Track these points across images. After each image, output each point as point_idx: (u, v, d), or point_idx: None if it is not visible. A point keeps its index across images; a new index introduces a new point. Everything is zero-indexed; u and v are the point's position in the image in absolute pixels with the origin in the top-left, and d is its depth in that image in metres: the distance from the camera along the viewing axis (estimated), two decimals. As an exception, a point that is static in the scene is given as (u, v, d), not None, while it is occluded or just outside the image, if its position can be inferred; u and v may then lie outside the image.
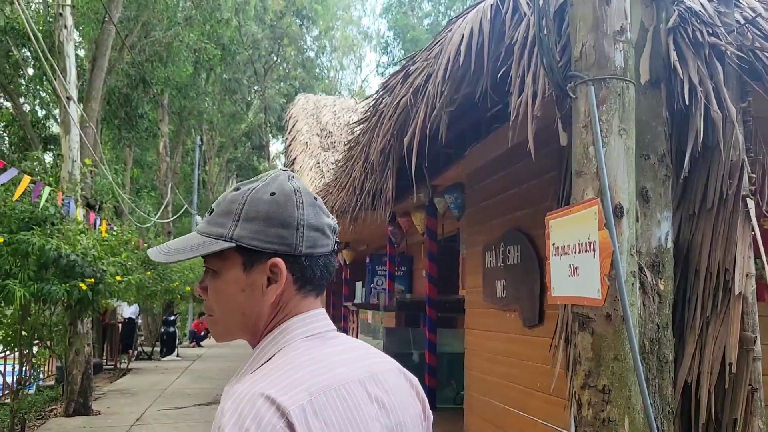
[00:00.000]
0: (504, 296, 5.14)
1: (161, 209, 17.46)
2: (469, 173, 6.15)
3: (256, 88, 30.41)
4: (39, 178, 7.52)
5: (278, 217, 1.04)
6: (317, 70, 32.90)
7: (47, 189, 7.16)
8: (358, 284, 11.96)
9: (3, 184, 7.22)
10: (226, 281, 1.06)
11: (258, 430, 0.90)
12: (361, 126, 4.37)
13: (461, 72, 3.30)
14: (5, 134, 17.48)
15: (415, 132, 3.18)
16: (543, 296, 4.55)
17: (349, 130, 5.85)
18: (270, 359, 1.03)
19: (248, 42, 25.66)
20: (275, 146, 36.84)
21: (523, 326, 4.83)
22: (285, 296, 1.07)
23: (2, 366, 11.99)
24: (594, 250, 2.39)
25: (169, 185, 18.66)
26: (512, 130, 3.18)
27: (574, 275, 2.55)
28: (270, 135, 33.59)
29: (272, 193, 1.05)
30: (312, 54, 32.14)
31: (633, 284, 2.45)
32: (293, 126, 11.86)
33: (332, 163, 10.38)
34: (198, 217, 24.75)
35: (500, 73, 3.33)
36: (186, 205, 20.28)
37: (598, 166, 2.41)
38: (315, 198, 1.10)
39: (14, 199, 7.00)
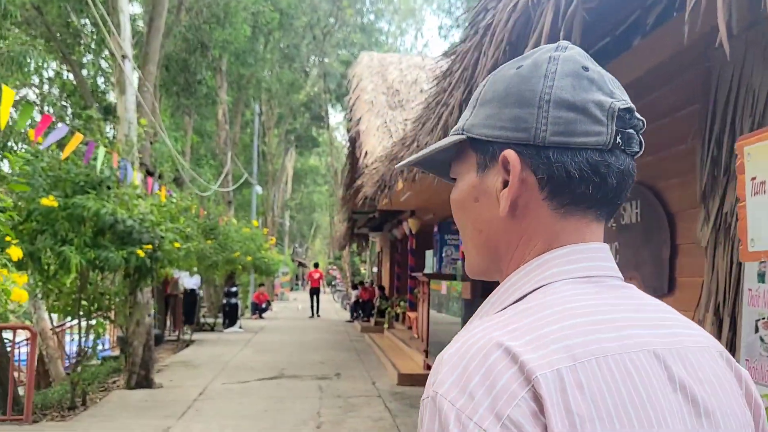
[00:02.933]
0: (617, 262, 4.35)
1: (221, 178, 17.14)
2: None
3: (314, 57, 29.86)
4: (94, 139, 7.05)
5: (516, 93, 0.72)
6: (377, 34, 32.05)
7: (102, 150, 6.69)
8: (429, 252, 11.29)
9: (56, 145, 6.80)
10: (462, 190, 0.79)
11: (487, 391, 0.58)
12: (461, 47, 3.63)
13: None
14: (68, 104, 17.43)
15: (540, 40, 2.43)
16: (674, 260, 3.76)
17: (436, 64, 5.09)
18: (521, 299, 0.70)
19: (306, 7, 25.01)
20: (335, 118, 36.42)
21: (646, 297, 4.06)
22: (531, 208, 0.73)
23: (67, 337, 11.91)
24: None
25: (229, 154, 18.30)
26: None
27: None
28: (329, 105, 33.09)
29: (519, 66, 0.74)
30: (372, 17, 31.28)
31: None
32: (357, 85, 11.19)
33: (400, 123, 9.68)
34: (258, 187, 24.55)
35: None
36: (246, 175, 19.95)
37: None
38: (585, 68, 0.72)
39: (62, 158, 6.55)
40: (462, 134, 0.77)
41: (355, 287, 22.50)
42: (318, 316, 22.82)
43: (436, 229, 12.42)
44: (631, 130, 0.73)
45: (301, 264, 57.25)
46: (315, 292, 23.49)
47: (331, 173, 46.78)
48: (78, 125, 8.05)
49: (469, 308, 7.48)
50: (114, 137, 9.10)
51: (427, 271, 10.96)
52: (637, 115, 0.74)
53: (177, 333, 14.80)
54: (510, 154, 0.72)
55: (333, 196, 50.11)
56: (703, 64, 3.25)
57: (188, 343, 13.91)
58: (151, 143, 11.10)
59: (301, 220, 63.95)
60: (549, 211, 0.73)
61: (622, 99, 0.73)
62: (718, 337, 3.12)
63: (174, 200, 9.47)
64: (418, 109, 10.17)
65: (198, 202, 12.54)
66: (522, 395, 0.59)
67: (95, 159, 6.77)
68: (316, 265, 26.82)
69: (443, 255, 10.54)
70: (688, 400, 0.66)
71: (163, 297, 14.92)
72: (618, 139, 0.71)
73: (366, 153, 8.96)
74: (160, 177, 10.48)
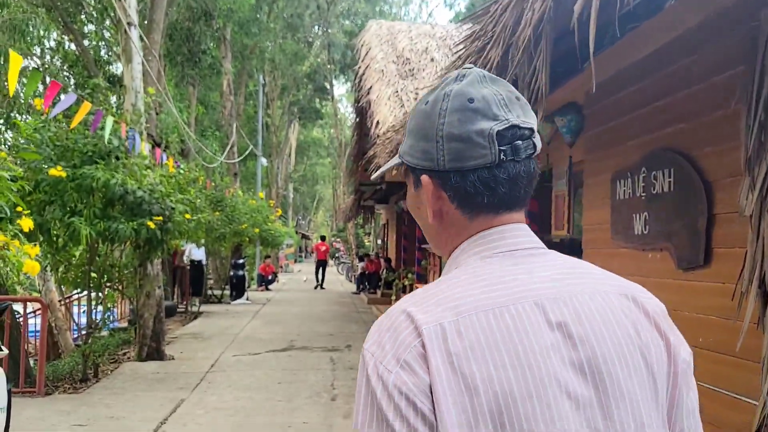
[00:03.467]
0: (647, 233, 4.22)
1: (227, 150, 16.97)
2: (588, 89, 5.17)
3: (317, 27, 29.43)
4: (102, 108, 6.90)
5: (421, 129, 0.92)
6: (381, 4, 31.53)
7: (110, 119, 6.54)
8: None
9: (62, 115, 6.66)
10: (409, 198, 1.02)
11: (393, 343, 0.83)
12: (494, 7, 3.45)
13: None
14: (70, 75, 17.19)
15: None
16: (710, 231, 3.64)
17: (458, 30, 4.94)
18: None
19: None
20: (338, 90, 36.03)
21: (677, 269, 3.93)
22: (449, 215, 0.94)
23: (75, 308, 11.88)
24: None
25: (234, 125, 18.08)
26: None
27: None
28: (333, 76, 32.72)
29: (426, 102, 0.93)
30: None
31: None
32: (366, 54, 10.95)
33: (412, 92, 9.48)
34: (263, 159, 24.37)
35: None
36: (251, 146, 19.76)
37: None
38: (470, 100, 0.88)
39: (71, 127, 6.40)
40: (400, 160, 0.97)
41: (361, 259, 22.49)
42: (322, 288, 22.89)
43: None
44: (518, 142, 0.88)
45: (304, 236, 57.31)
46: (322, 263, 23.80)
47: (335, 145, 46.54)
48: (83, 95, 7.87)
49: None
50: (121, 107, 8.95)
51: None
52: (523, 125, 0.88)
53: (185, 305, 14.79)
54: (425, 178, 0.92)
55: (336, 168, 49.92)
56: (748, 23, 3.09)
57: (196, 315, 13.90)
58: (156, 114, 10.93)
59: (304, 193, 63.90)
60: (461, 216, 0.92)
61: (505, 119, 0.87)
62: (762, 309, 3.02)
63: (182, 171, 9.34)
64: (430, 77, 9.99)
65: (205, 173, 12.41)
66: (414, 344, 0.80)
67: (102, 128, 6.62)
68: (322, 238, 27.16)
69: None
70: (565, 335, 0.82)
71: (171, 269, 14.88)
72: (502, 156, 0.87)
73: (378, 123, 8.80)
74: (167, 148, 10.33)
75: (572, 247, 7.83)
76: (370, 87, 9.92)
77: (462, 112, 0.88)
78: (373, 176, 1.14)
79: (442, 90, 0.91)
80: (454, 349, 0.79)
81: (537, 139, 0.92)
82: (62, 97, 6.21)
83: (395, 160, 1.00)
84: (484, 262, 0.89)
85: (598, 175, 5.13)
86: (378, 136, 8.53)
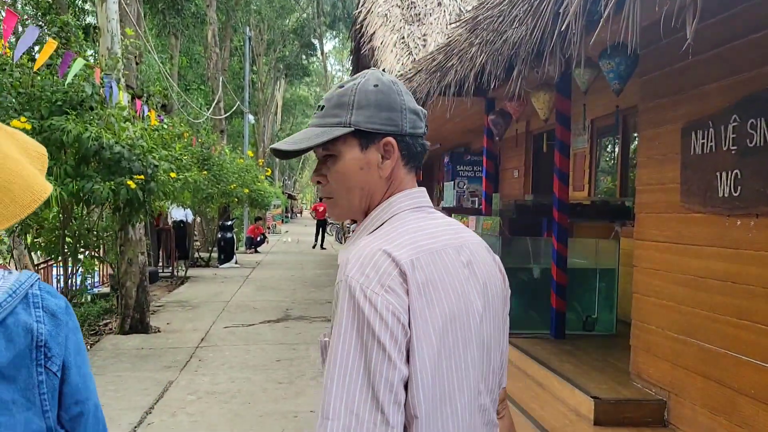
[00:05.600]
0: (737, 194, 3.48)
1: (213, 105, 15.95)
2: (645, 26, 4.36)
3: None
4: (72, 50, 5.98)
5: (385, 103, 1.21)
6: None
7: (79, 61, 5.64)
8: (448, 185, 10.40)
9: (27, 57, 5.74)
10: (347, 162, 1.21)
11: (376, 274, 1.06)
12: None
13: None
14: (42, 24, 15.99)
15: None
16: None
17: None
18: (382, 224, 1.20)
19: None
20: (326, 46, 34.69)
21: (780, 239, 3.21)
22: (395, 172, 1.24)
23: (47, 275, 11.03)
24: None
25: (220, 79, 17.00)
26: None
27: None
28: (322, 30, 31.43)
29: (375, 85, 1.22)
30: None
31: None
32: (367, -4, 10.00)
33: (419, 38, 8.59)
34: (251, 116, 23.31)
35: None
36: (238, 102, 18.72)
37: None
38: (406, 89, 1.27)
39: (35, 68, 5.51)
40: (350, 127, 1.20)
41: (354, 221, 21.87)
42: (323, 248, 22.64)
43: (447, 159, 11.51)
44: (427, 124, 1.29)
45: (290, 197, 56.40)
46: (321, 224, 23.61)
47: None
48: (50, 33, 6.90)
49: (507, 246, 6.65)
50: (96, 53, 8.00)
51: (446, 205, 10.10)
52: (425, 112, 1.30)
53: (171, 269, 14.00)
54: (392, 140, 1.22)
55: (323, 127, 48.58)
56: None
57: (183, 280, 13.12)
58: (136, 63, 9.96)
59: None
60: (402, 170, 1.25)
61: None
62: None
63: (166, 126, 8.45)
64: (439, 23, 9.10)
65: (190, 130, 11.48)
66: (394, 273, 1.07)
67: (69, 70, 5.72)
68: (321, 198, 26.75)
69: (455, 190, 9.67)
70: (475, 274, 1.20)
71: (154, 231, 14.04)
72: (425, 129, 1.28)
73: (384, 71, 7.93)
74: (148, 100, 9.39)
75: (604, 212, 7.09)
76: (373, 33, 9.00)
77: (408, 94, 1.25)
78: (290, 146, 1.23)
79: (382, 77, 1.24)
80: (420, 279, 1.09)
81: None
82: (29, 28, 5.27)
83: (343, 129, 1.20)
84: (415, 215, 1.22)
85: (660, 125, 4.35)
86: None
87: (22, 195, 0.86)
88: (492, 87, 5.33)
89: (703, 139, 3.79)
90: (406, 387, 1.05)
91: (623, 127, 7.32)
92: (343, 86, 1.24)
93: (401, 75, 7.45)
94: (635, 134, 7.64)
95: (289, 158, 1.28)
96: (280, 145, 1.24)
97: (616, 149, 7.86)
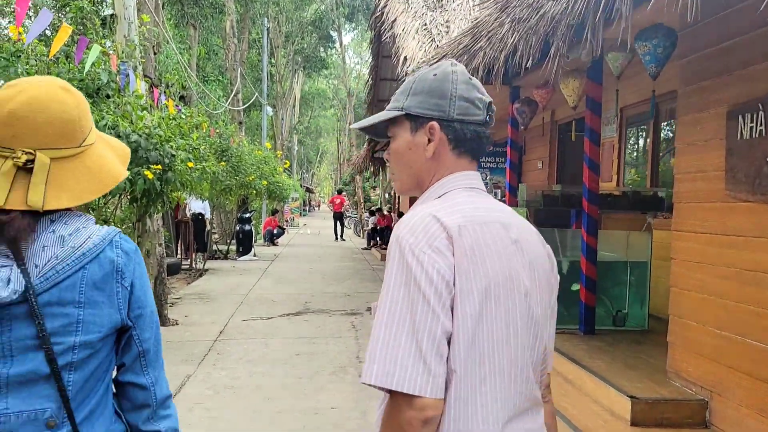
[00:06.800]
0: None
1: (231, 96, 15.82)
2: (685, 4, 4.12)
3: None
4: (88, 34, 5.84)
5: (437, 91, 1.32)
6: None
7: (96, 47, 5.50)
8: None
9: (41, 40, 5.60)
10: (399, 142, 1.37)
11: (425, 235, 1.16)
12: None
13: None
14: (62, 16, 15.94)
15: None
16: None
17: None
18: (439, 197, 1.31)
19: None
20: (345, 38, 34.49)
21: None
22: (442, 154, 1.33)
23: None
24: None
25: (239, 70, 16.84)
26: None
27: None
28: (340, 22, 31.21)
29: (434, 74, 1.35)
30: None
31: None
32: (388, -17, 9.78)
33: (442, 24, 8.37)
34: (269, 108, 23.16)
35: None
36: (256, 94, 18.57)
37: None
38: (470, 78, 1.36)
39: (50, 55, 5.37)
40: (402, 111, 1.34)
41: (372, 214, 21.71)
42: (342, 239, 23.08)
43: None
44: (491, 114, 1.35)
45: (308, 190, 56.37)
46: (338, 216, 24.04)
47: (340, 97, 45.01)
48: (64, 17, 6.77)
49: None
50: (112, 41, 7.87)
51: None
52: (493, 106, 1.36)
53: (189, 262, 13.92)
54: (434, 124, 1.32)
55: (341, 120, 48.48)
56: None
57: (201, 273, 13.03)
58: (154, 53, 9.83)
59: (308, 145, 62.65)
60: (450, 153, 1.34)
61: (489, 97, 1.37)
62: None
63: (184, 115, 8.30)
64: (461, 9, 8.86)
65: (208, 121, 11.33)
66: (442, 236, 1.16)
67: (86, 57, 5.58)
68: (339, 191, 27.46)
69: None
70: (522, 251, 1.26)
71: (173, 223, 13.97)
72: (487, 118, 1.34)
73: (405, 59, 7.74)
74: (167, 88, 9.26)
75: (636, 203, 6.84)
76: (395, 20, 8.78)
77: (467, 84, 1.34)
78: (358, 125, 1.42)
79: (445, 69, 1.35)
80: (467, 244, 1.17)
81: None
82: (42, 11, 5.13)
83: (396, 112, 1.35)
84: (467, 192, 1.30)
85: (702, 109, 4.10)
86: (406, 73, 7.49)
87: (107, 178, 1.33)
88: (521, 72, 5.12)
89: (752, 122, 3.55)
90: (449, 343, 1.14)
91: (656, 114, 7.05)
92: (414, 73, 1.41)
93: (424, 62, 7.23)
94: (665, 123, 7.36)
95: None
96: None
97: (647, 138, 7.59)
